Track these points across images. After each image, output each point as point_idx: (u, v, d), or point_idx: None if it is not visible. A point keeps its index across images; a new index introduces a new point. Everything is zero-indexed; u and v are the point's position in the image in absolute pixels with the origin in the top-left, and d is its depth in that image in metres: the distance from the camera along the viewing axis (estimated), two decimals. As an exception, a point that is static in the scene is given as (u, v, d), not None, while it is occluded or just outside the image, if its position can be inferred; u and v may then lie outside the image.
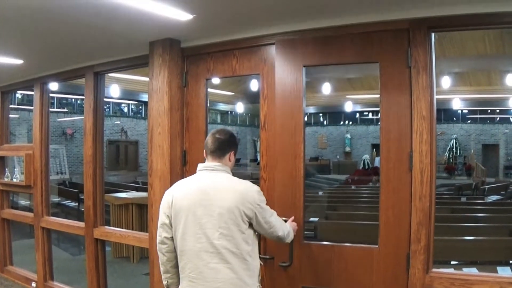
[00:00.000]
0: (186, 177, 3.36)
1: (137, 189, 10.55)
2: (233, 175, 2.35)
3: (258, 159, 3.25)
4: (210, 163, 2.32)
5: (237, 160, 26.84)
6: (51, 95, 4.75)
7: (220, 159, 2.32)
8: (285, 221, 2.60)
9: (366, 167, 20.28)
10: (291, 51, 2.88)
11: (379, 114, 2.59)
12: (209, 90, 3.31)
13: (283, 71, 2.90)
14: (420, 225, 2.50)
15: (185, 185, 2.29)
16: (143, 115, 20.81)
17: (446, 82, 12.80)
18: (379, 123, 2.62)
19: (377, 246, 2.64)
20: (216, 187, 2.20)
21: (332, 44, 2.74)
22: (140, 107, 21.13)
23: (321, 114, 26.07)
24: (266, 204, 2.28)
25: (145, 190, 8.03)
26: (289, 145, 2.86)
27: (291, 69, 2.88)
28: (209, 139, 2.34)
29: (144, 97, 17.63)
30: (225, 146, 2.32)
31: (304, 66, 2.85)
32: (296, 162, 2.83)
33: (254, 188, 2.25)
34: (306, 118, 2.92)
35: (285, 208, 2.84)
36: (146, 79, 3.41)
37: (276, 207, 2.81)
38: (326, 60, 2.78)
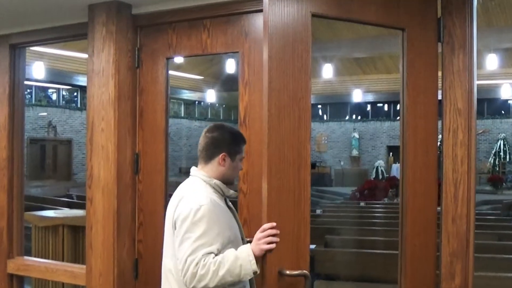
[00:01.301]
0: (138, 188, 3.38)
1: (70, 206, 10.44)
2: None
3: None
4: (192, 168, 2.55)
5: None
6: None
7: (205, 163, 2.47)
8: (249, 242, 2.36)
9: (380, 177, 20.44)
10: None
11: (401, 104, 2.58)
12: (171, 72, 3.29)
13: (281, 21, 2.40)
14: (454, 257, 2.51)
15: None
16: (79, 105, 20.65)
17: (491, 62, 12.65)
18: (398, 118, 2.63)
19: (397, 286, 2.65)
20: (172, 196, 2.47)
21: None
22: (75, 94, 20.94)
23: (319, 106, 26.24)
24: (206, 229, 2.25)
25: (81, 207, 7.93)
26: (288, 146, 2.43)
27: (293, 16, 2.41)
28: (200, 138, 2.51)
29: (81, 81, 17.51)
30: (212, 146, 2.45)
31: (312, 15, 2.42)
32: (301, 174, 2.42)
33: (197, 201, 2.31)
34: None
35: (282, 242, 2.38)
36: (83, 55, 3.37)
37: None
38: (345, 13, 2.48)
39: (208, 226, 2.27)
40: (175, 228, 2.34)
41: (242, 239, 2.51)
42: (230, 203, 2.56)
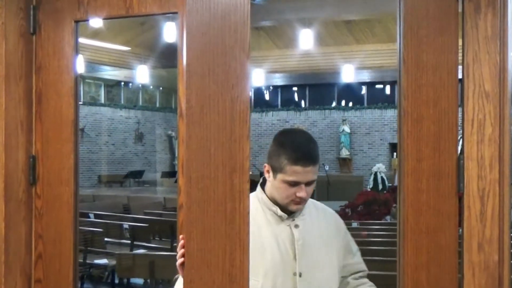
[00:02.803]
0: (36, 206, 3.32)
1: None
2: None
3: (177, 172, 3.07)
4: None
5: (139, 175, 26.96)
6: None
7: None
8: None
9: (380, 186, 20.57)
10: None
11: (398, 88, 2.61)
12: (84, 41, 3.26)
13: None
14: (481, 298, 2.53)
15: None
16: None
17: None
18: (401, 104, 2.65)
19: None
20: None
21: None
22: None
23: (294, 89, 26.39)
24: None
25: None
26: (216, 147, 2.48)
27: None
28: None
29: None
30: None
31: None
32: (235, 182, 2.48)
33: None
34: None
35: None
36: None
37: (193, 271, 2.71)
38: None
39: None
40: None
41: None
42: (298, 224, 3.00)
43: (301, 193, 2.90)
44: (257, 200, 3.02)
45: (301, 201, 2.96)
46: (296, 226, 2.98)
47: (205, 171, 2.44)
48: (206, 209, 2.45)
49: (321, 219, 3.15)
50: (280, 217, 2.97)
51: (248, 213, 2.49)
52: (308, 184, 2.92)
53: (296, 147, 2.91)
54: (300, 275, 2.91)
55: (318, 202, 3.29)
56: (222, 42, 2.40)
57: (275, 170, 2.90)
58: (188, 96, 2.41)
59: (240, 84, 2.44)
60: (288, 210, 2.98)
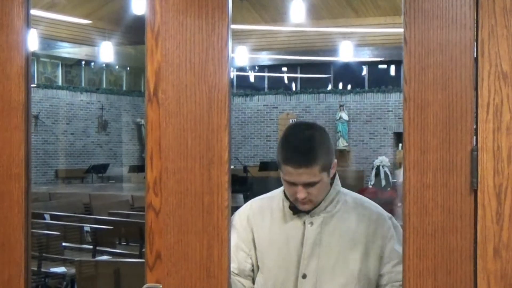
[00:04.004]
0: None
1: None
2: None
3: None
4: None
5: (103, 169, 26.88)
6: None
7: None
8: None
9: (383, 183, 20.63)
10: None
11: (402, 70, 2.61)
12: (37, 13, 3.24)
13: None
14: (499, 311, 2.54)
15: None
16: None
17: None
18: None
19: None
20: None
21: None
22: None
23: (284, 69, 26.37)
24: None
25: None
26: (193, 138, 2.75)
27: None
28: None
29: None
30: None
31: None
32: (212, 174, 2.75)
33: None
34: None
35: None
36: None
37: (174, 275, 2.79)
38: None
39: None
40: None
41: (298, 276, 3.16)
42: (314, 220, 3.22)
43: (299, 194, 3.08)
44: (282, 193, 3.30)
45: (306, 202, 3.12)
46: (311, 223, 3.18)
47: (181, 162, 2.76)
48: (183, 201, 2.77)
49: (353, 220, 3.26)
50: (293, 212, 3.23)
51: (227, 207, 2.76)
52: (308, 185, 3.07)
53: (289, 146, 3.15)
54: (304, 277, 3.10)
55: (365, 199, 3.44)
56: (199, 31, 2.67)
57: (279, 166, 3.17)
58: (165, 86, 2.70)
59: (219, 71, 2.69)
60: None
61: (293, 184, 3.11)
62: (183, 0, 2.63)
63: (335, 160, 3.29)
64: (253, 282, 3.35)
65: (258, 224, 3.30)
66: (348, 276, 3.17)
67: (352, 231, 3.22)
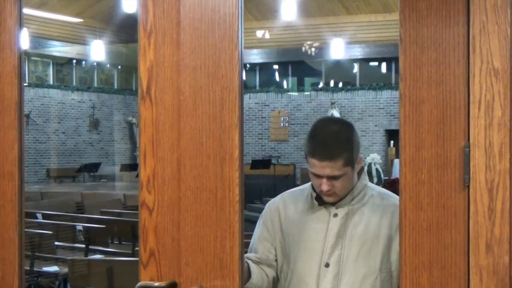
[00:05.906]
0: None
1: None
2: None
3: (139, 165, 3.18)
4: None
5: (95, 168, 26.85)
6: None
7: None
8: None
9: (375, 180, 20.57)
10: None
11: (400, 68, 2.62)
12: (29, 12, 3.23)
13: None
14: (490, 307, 2.55)
15: None
16: None
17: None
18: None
19: None
20: None
21: None
22: None
23: (275, 67, 26.38)
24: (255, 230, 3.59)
25: None
26: (207, 136, 2.82)
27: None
28: None
29: None
30: None
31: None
32: (225, 171, 2.83)
33: None
34: (244, 75, 2.98)
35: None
36: None
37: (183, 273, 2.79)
38: None
39: (256, 227, 3.54)
40: None
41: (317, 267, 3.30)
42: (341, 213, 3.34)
43: (323, 186, 3.21)
44: (310, 185, 3.39)
45: (331, 194, 3.25)
46: (335, 215, 3.30)
47: (197, 160, 2.90)
48: (200, 196, 2.90)
49: (378, 213, 3.37)
50: (319, 203, 3.34)
51: (238, 201, 2.90)
52: (332, 178, 3.20)
53: (314, 139, 3.29)
54: (327, 265, 3.23)
55: (390, 194, 3.53)
56: (212, 36, 2.80)
57: (305, 158, 3.28)
58: (183, 88, 2.83)
59: (230, 74, 2.83)
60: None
61: (318, 176, 3.22)
62: (200, 29, 2.68)
63: (361, 155, 3.45)
64: (276, 271, 3.49)
65: (286, 213, 3.43)
66: (369, 268, 3.27)
67: (376, 224, 3.32)
